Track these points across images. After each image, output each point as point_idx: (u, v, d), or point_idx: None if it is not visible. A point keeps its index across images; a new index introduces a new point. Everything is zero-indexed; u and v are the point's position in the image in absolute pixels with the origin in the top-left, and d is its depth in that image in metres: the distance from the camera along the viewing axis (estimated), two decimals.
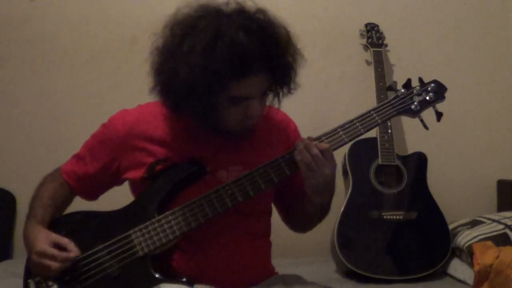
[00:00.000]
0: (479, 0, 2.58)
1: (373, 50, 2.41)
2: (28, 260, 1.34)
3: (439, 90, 1.38)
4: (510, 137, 2.57)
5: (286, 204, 1.52)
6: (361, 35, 2.48)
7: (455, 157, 2.53)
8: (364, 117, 1.34)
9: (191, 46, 1.22)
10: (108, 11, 2.50)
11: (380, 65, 2.36)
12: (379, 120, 1.34)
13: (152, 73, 1.32)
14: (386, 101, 1.36)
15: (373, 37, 2.43)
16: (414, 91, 1.37)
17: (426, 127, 1.39)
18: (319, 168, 1.24)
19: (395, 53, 2.53)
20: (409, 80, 1.39)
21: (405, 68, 2.52)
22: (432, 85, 1.38)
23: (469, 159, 2.55)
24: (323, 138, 1.31)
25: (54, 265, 1.25)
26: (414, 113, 1.37)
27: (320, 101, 2.49)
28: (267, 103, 1.37)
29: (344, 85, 2.51)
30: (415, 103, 1.36)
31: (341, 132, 1.31)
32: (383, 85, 2.29)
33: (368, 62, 2.49)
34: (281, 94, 1.36)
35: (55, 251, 1.27)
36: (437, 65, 2.54)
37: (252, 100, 1.27)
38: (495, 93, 2.57)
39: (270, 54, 1.23)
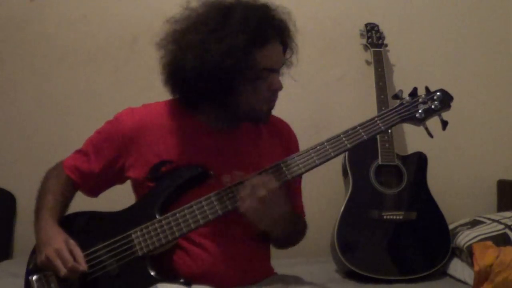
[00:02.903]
0: (479, 0, 2.58)
1: (373, 50, 2.40)
2: (33, 253, 1.33)
3: (445, 99, 1.35)
4: (510, 137, 2.57)
5: None
6: (361, 35, 2.47)
7: (455, 157, 2.53)
8: (368, 123, 1.33)
9: (203, 31, 1.27)
10: (108, 11, 2.49)
11: (380, 65, 2.35)
12: (382, 127, 1.32)
13: (164, 68, 1.36)
14: (391, 108, 1.35)
15: (373, 37, 2.43)
16: (420, 99, 1.35)
17: (431, 135, 1.37)
18: (268, 211, 1.25)
19: (395, 53, 2.52)
20: (415, 89, 1.37)
21: (405, 68, 2.52)
22: (438, 93, 1.36)
23: (469, 159, 2.54)
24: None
25: (63, 269, 1.25)
26: (419, 121, 1.35)
27: (320, 101, 2.49)
28: None
29: (344, 85, 2.51)
30: (420, 111, 1.34)
31: (344, 138, 1.31)
32: (383, 85, 2.29)
33: (368, 62, 2.49)
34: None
35: (70, 257, 1.26)
36: (437, 65, 2.53)
37: (276, 73, 1.33)
38: (495, 93, 2.57)
39: (280, 25, 1.34)
